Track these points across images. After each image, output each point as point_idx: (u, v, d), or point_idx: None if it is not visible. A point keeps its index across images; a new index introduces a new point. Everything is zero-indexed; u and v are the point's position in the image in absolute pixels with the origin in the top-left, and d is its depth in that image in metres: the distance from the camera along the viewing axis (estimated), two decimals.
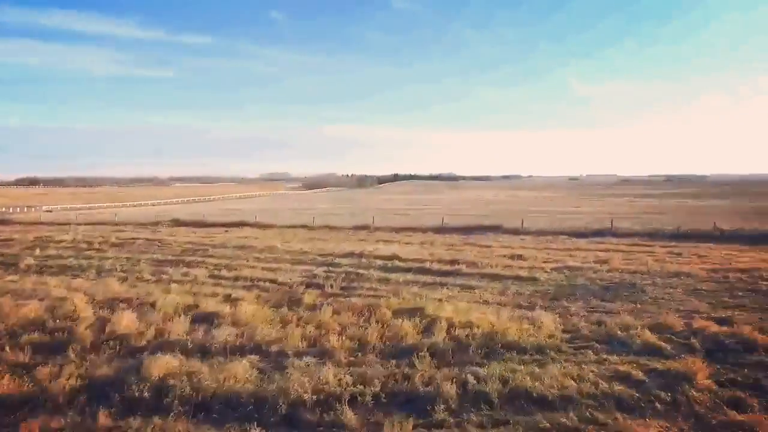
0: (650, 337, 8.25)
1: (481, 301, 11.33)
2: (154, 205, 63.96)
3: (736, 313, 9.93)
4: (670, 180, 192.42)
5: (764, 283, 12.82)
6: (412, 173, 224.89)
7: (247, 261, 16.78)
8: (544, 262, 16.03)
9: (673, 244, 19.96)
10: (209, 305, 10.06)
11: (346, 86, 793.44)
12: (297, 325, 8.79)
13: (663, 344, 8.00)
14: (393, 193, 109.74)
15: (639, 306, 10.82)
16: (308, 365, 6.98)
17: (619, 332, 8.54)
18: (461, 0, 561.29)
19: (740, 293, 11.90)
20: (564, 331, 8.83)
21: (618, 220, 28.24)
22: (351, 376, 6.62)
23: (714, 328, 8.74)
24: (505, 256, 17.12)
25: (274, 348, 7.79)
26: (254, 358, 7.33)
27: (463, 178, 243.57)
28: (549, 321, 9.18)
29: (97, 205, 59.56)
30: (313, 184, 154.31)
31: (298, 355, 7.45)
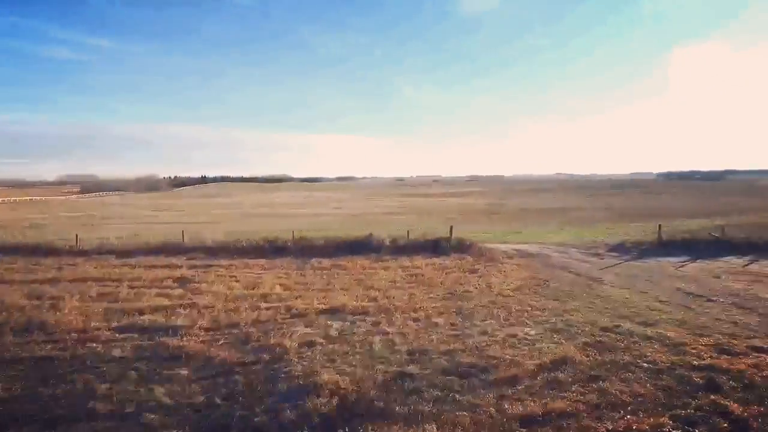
0: None
1: None
2: None
3: None
4: (473, 180, 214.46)
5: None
6: (239, 176, 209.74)
7: None
8: None
9: (212, 263, 15.75)
10: None
11: (177, 81, 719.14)
12: None
13: None
14: (162, 198, 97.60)
15: None
16: None
17: None
18: (306, 1, 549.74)
19: None
20: None
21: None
22: None
23: None
24: None
25: None
26: None
27: (291, 179, 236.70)
28: None
29: None
30: (95, 187, 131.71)
31: None
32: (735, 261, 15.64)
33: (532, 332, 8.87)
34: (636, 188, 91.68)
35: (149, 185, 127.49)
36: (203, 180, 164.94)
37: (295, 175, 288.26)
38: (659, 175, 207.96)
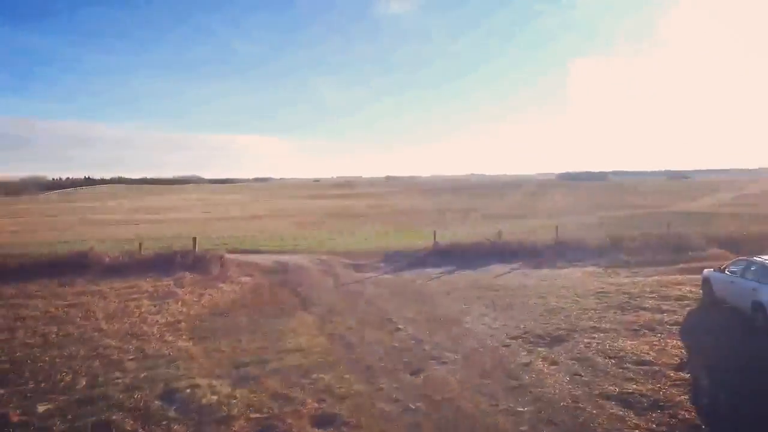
0: None
1: None
2: None
3: None
4: (389, 181, 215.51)
5: None
6: (142, 177, 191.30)
7: None
8: None
9: None
10: None
11: (80, 75, 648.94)
12: None
13: None
14: (13, 203, 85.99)
15: None
16: None
17: None
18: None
19: None
20: None
21: None
22: None
23: None
24: None
25: None
26: None
27: (200, 180, 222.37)
28: None
29: None
30: None
31: None
32: (496, 269, 14.18)
33: (40, 409, 5.98)
34: (514, 189, 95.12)
35: (12, 188, 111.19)
36: (88, 182, 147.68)
37: (209, 176, 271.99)
38: (559, 174, 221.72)
